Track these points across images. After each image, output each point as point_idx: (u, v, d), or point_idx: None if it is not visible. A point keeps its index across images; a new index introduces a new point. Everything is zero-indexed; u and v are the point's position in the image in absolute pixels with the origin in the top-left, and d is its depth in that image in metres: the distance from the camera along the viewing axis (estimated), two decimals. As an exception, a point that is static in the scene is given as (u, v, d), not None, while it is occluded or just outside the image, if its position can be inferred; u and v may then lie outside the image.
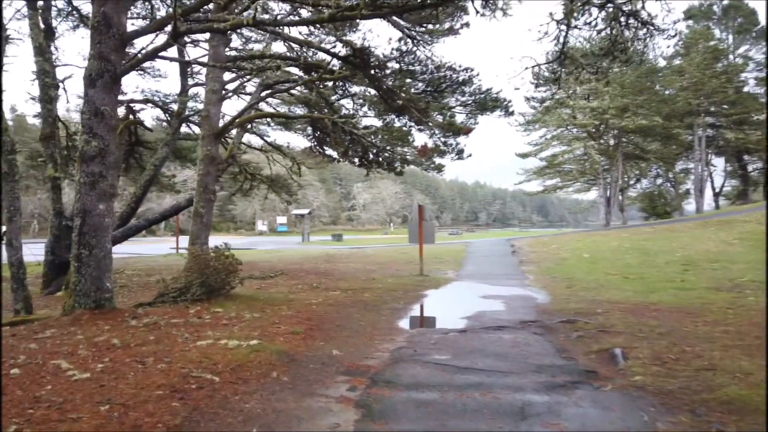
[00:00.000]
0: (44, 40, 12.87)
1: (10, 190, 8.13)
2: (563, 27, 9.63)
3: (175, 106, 17.54)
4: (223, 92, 11.26)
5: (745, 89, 47.25)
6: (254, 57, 10.89)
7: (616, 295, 10.53)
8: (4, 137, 8.13)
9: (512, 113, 11.39)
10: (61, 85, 13.39)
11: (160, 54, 8.58)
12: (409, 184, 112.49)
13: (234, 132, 15.56)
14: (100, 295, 7.43)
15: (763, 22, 49.15)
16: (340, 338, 7.07)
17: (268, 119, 17.63)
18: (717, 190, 53.13)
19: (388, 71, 9.62)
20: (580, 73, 11.66)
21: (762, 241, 17.67)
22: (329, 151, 17.18)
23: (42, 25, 13.04)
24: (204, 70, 14.87)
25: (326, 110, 14.39)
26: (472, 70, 10.29)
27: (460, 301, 11.23)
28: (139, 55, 9.34)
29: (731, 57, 46.24)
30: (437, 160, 13.49)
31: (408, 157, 14.17)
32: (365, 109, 14.67)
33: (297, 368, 5.49)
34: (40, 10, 12.91)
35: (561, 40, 10.03)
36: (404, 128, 13.66)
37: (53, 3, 14.25)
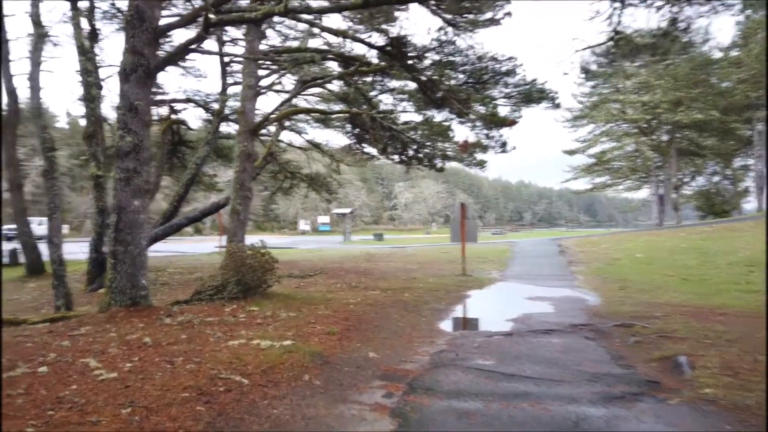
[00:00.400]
0: (89, 41, 13.11)
1: (51, 187, 8.17)
2: (617, 4, 8.96)
3: (216, 106, 17.63)
4: (259, 88, 11.13)
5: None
6: (290, 51, 10.69)
7: (675, 297, 9.78)
8: (45, 134, 8.17)
9: (559, 105, 10.79)
10: (104, 84, 13.59)
11: (197, 49, 8.45)
12: (452, 184, 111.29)
13: (272, 129, 15.51)
14: (136, 292, 7.33)
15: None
16: (377, 340, 6.73)
17: (307, 116, 17.49)
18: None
19: (427, 62, 9.22)
20: (635, 57, 10.89)
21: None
22: (368, 149, 16.89)
23: (87, 27, 13.30)
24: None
25: (365, 106, 14.10)
26: (515, 59, 9.76)
27: (505, 302, 10.71)
28: (172, 49, 9.27)
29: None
30: (479, 156, 12.98)
31: (449, 152, 13.71)
32: (404, 104, 14.32)
33: (330, 371, 5.18)
34: (85, 12, 13.15)
35: (615, 19, 9.35)
36: (445, 123, 13.22)
37: (97, 5, 14.49)
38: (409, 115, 15.12)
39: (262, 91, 13.51)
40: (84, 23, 13.19)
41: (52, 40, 15.36)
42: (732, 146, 44.06)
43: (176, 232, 15.56)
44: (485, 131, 10.81)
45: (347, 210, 47.75)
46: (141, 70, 7.68)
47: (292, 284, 12.36)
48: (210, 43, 15.30)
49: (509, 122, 9.98)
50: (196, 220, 16.01)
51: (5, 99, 14.59)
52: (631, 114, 38.67)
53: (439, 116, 13.44)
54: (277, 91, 14.00)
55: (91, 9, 13.46)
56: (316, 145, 18.00)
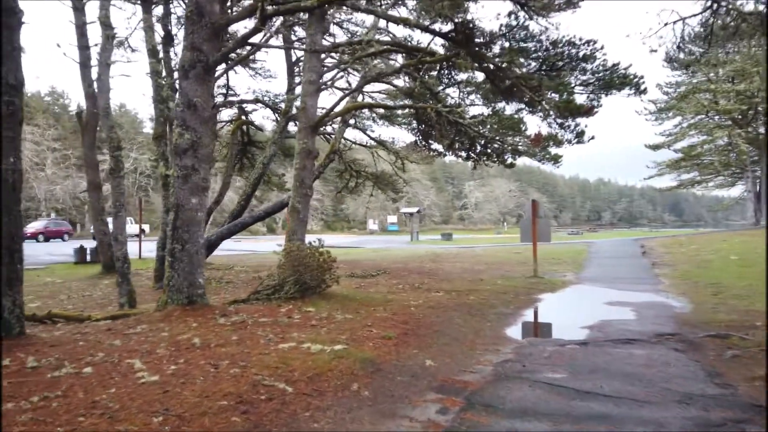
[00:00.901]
0: (163, 45, 13.51)
1: (117, 186, 8.31)
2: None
3: (283, 106, 17.76)
4: (321, 84, 10.93)
5: None
6: (352, 44, 10.40)
7: (781, 305, 8.59)
8: (112, 134, 8.31)
9: (644, 91, 9.71)
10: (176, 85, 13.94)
11: (256, 43, 8.31)
12: (524, 182, 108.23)
13: (336, 127, 15.36)
14: (193, 291, 7.27)
15: None
16: (436, 346, 6.25)
17: (371, 113, 17.23)
18: None
19: (496, 49, 8.63)
20: (737, 29, 9.70)
21: None
22: (435, 145, 16.38)
23: (162, 32, 13.70)
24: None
25: (431, 101, 13.60)
26: (594, 42, 8.89)
27: (580, 307, 9.89)
28: (231, 44, 9.22)
29: None
30: (552, 150, 12.10)
31: (519, 147, 12.92)
32: (472, 97, 13.68)
33: (382, 380, 4.77)
34: (158, 17, 13.53)
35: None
36: (515, 116, 12.47)
37: (173, 10, 14.93)
38: (477, 109, 14.48)
39: (324, 87, 13.34)
40: (158, 28, 13.60)
41: (128, 44, 15.94)
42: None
43: (241, 231, 15.77)
44: (559, 121, 10.00)
45: (414, 209, 47.29)
46: (200, 66, 7.62)
47: (353, 284, 12.09)
48: (276, 43, 15.33)
49: (586, 109, 9.14)
50: (261, 218, 16.18)
51: (84, 103, 15.40)
52: (724, 104, 35.59)
53: (509, 108, 12.72)
54: (340, 89, 13.80)
55: (166, 14, 13.85)
56: (381, 143, 17.71)
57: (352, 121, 18.24)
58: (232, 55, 19.07)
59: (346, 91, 14.85)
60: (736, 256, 15.80)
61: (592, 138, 10.43)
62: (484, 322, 7.97)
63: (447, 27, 8.25)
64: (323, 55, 12.16)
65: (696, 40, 37.32)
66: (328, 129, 17.28)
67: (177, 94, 7.91)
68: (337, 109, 11.11)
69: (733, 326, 7.12)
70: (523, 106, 10.47)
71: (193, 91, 7.58)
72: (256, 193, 20.41)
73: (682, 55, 36.59)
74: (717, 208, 63.16)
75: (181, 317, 6.72)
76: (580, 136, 10.24)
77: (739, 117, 36.62)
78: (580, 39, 8.87)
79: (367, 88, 16.39)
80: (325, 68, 14.51)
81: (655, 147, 42.24)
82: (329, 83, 14.79)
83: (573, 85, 9.36)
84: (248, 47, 10.22)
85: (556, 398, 4.29)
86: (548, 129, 10.98)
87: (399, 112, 16.71)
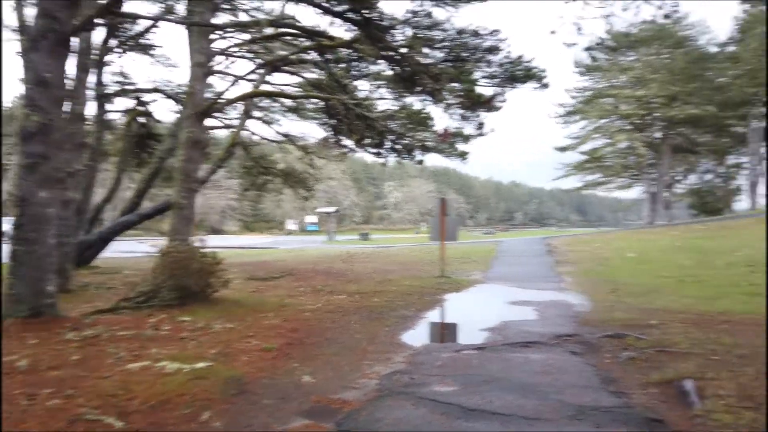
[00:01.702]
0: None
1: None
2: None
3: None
4: (211, 68, 9.98)
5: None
6: (244, 24, 9.51)
7: (673, 302, 8.73)
8: None
9: (546, 85, 9.67)
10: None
11: (124, 13, 7.26)
12: (443, 183, 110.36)
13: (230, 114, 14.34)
14: (39, 301, 6.15)
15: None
16: (322, 357, 5.60)
17: (280, 106, 16.29)
18: (773, 186, 49.41)
19: (400, 36, 8.15)
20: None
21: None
22: (346, 141, 15.77)
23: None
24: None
25: (340, 94, 12.97)
26: (499, 32, 8.67)
27: (482, 307, 9.63)
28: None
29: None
30: (460, 146, 11.89)
31: (428, 143, 12.61)
32: (382, 91, 13.20)
33: (243, 405, 4.05)
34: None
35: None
36: (423, 111, 12.12)
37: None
38: (387, 104, 14.03)
39: (217, 73, 12.27)
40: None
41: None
42: (726, 143, 43.31)
43: (127, 230, 14.35)
44: (461, 112, 9.69)
45: (332, 209, 46.48)
46: (53, 37, 6.51)
47: (250, 288, 11.22)
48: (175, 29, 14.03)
49: (486, 100, 8.89)
50: (149, 216, 14.82)
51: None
52: (624, 109, 37.73)
53: (418, 104, 12.36)
54: (238, 77, 12.73)
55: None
56: (289, 137, 16.84)
57: (259, 114, 17.24)
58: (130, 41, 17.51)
59: (253, 78, 13.89)
60: (633, 253, 16.42)
61: (492, 131, 10.26)
62: (382, 326, 7.42)
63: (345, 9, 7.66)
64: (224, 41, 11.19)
65: (600, 46, 39.24)
66: (230, 121, 16.17)
67: (23, 68, 6.73)
68: (231, 95, 10.21)
69: (630, 325, 7.02)
70: (428, 98, 10.07)
71: (44, 66, 6.45)
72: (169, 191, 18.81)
73: (588, 61, 38.30)
74: (617, 209, 67.32)
75: (17, 333, 5.61)
76: (480, 128, 10.00)
77: (638, 122, 39.00)
78: (485, 29, 8.59)
79: (277, 80, 15.51)
80: (228, 55, 13.50)
81: (563, 149, 44.18)
82: (228, 69, 13.70)
83: (478, 78, 9.08)
84: (141, 25, 9.12)
85: (438, 419, 3.77)
86: (453, 123, 10.67)
87: (309, 106, 15.96)
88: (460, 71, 8.62)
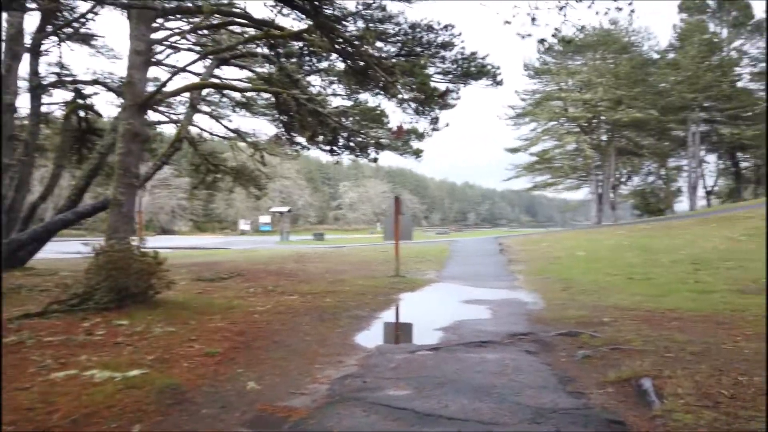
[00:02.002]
0: None
1: None
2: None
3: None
4: (152, 55, 9.44)
5: (739, 84, 46.12)
6: (186, 10, 9.01)
7: (623, 299, 8.84)
8: None
9: (501, 82, 9.66)
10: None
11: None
12: (398, 184, 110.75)
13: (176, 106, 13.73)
14: (-47, 304, 5.58)
15: (758, 16, 48.09)
16: (269, 362, 5.29)
17: (229, 101, 15.72)
18: (708, 188, 51.96)
19: (351, 27, 7.91)
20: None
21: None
22: (298, 138, 15.39)
23: None
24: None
25: (292, 89, 12.59)
26: (453, 27, 8.56)
27: (437, 306, 9.50)
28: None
29: (725, 51, 44.92)
30: (414, 144, 11.76)
31: (383, 140, 12.41)
32: (335, 87, 12.92)
33: (179, 416, 3.71)
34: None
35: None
36: (378, 108, 11.91)
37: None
38: (340, 100, 13.75)
39: (156, 62, 11.66)
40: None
41: None
42: (667, 147, 45.17)
43: (62, 229, 13.50)
44: (415, 106, 9.53)
45: (285, 209, 45.71)
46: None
47: (197, 289, 10.72)
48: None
49: (440, 93, 8.76)
50: (87, 214, 13.97)
51: None
52: (572, 112, 38.78)
53: (372, 101, 12.14)
54: (180, 68, 12.07)
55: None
56: (238, 133, 16.27)
57: (207, 109, 16.62)
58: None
59: (199, 72, 13.33)
60: (582, 252, 16.75)
61: (447, 125, 10.14)
62: (334, 327, 7.16)
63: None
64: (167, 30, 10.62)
65: (549, 51, 40.10)
66: (176, 116, 15.49)
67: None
68: (174, 86, 9.69)
69: (583, 323, 7.02)
70: (380, 92, 9.86)
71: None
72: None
73: (537, 64, 39.12)
74: (565, 209, 69.24)
75: (-73, 341, 5.05)
76: (435, 122, 9.87)
77: (585, 124, 40.17)
78: (439, 23, 8.46)
79: (227, 75, 14.98)
80: (172, 47, 12.89)
81: (514, 150, 45.05)
82: (175, 61, 13.08)
83: (432, 74, 8.94)
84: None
85: (392, 425, 3.54)
86: (407, 118, 10.51)
87: (260, 102, 15.49)
88: (414, 65, 8.45)
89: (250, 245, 33.64)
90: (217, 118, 15.85)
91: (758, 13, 47.80)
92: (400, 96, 9.12)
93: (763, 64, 48.68)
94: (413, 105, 9.55)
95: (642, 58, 39.14)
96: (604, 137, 42.15)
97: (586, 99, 37.76)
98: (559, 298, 9.39)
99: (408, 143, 11.89)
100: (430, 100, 8.74)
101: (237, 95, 15.04)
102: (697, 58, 39.77)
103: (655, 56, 41.67)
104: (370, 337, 6.75)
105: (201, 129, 17.20)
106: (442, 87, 9.18)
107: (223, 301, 9.11)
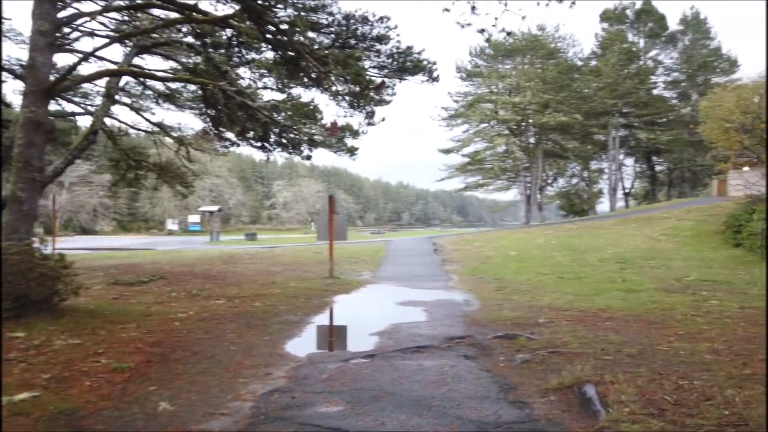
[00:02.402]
0: None
1: None
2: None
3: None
4: (59, 37, 8.52)
5: (654, 92, 49.06)
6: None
7: (557, 299, 8.90)
8: None
9: (437, 78, 9.50)
10: None
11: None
12: (333, 184, 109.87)
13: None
14: None
15: (672, 28, 51.38)
16: (187, 377, 4.77)
17: (153, 93, 14.67)
18: (627, 191, 55.01)
19: (282, 14, 7.45)
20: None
21: (688, 237, 17.11)
22: (228, 134, 14.63)
23: None
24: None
25: (219, 80, 11.88)
26: (388, 20, 8.29)
27: (372, 309, 9.20)
28: None
29: (642, 60, 47.62)
30: (349, 142, 11.38)
31: (316, 137, 11.95)
32: (266, 80, 12.32)
33: (74, 448, 3.18)
34: None
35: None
36: (311, 104, 11.45)
37: None
38: (272, 94, 13.16)
39: (66, 45, 10.61)
40: None
41: None
42: (590, 150, 47.33)
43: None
44: (350, 99, 9.17)
45: (215, 208, 44.01)
46: None
47: (113, 294, 9.86)
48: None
49: (376, 86, 8.47)
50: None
51: None
52: (503, 114, 39.79)
53: (306, 96, 11.66)
54: (89, 53, 10.97)
55: None
56: (161, 127, 15.25)
57: (127, 100, 15.49)
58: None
59: (117, 60, 12.34)
60: (514, 251, 17.02)
61: (383, 120, 9.85)
62: (263, 335, 6.68)
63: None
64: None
65: (481, 54, 40.94)
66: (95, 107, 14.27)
67: None
68: (84, 72, 8.81)
69: (519, 324, 6.95)
70: (313, 84, 9.41)
71: None
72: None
73: (469, 66, 39.76)
74: (495, 209, 71.13)
75: None
76: (370, 116, 9.56)
77: (515, 127, 41.36)
78: (374, 15, 8.15)
79: (152, 65, 13.97)
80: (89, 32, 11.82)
81: (447, 151, 45.70)
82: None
83: (367, 67, 8.61)
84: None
85: (323, 449, 3.19)
86: (342, 113, 10.13)
87: (186, 94, 14.60)
88: (348, 56, 8.09)
89: (177, 246, 32.04)
90: (138, 110, 14.77)
91: (672, 25, 51.26)
92: (334, 88, 8.72)
93: (677, 74, 52.38)
94: (348, 99, 9.18)
95: (567, 64, 40.76)
96: (532, 140, 43.56)
97: (515, 102, 38.84)
98: (494, 299, 9.34)
99: (342, 141, 11.53)
100: (366, 94, 8.42)
101: (161, 86, 14.08)
102: (617, 66, 41.87)
103: (579, 63, 43.52)
104: (302, 344, 6.34)
105: (121, 122, 16.01)
106: (378, 80, 8.88)
107: (141, 308, 8.39)
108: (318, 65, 7.18)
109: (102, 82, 11.41)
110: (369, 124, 9.72)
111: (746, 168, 35.30)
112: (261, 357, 5.60)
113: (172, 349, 5.77)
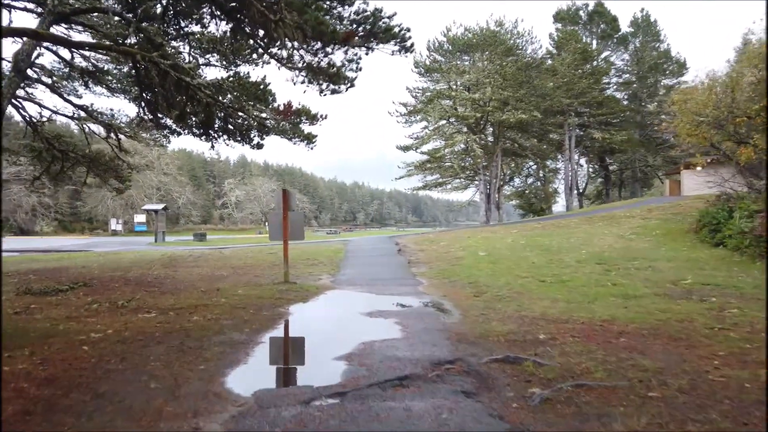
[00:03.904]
0: None
1: None
2: None
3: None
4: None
5: (607, 93, 49.60)
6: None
7: (548, 307, 7.74)
8: None
9: (411, 48, 8.17)
10: None
11: None
12: (287, 183, 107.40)
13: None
14: None
15: (624, 30, 52.11)
16: (73, 440, 3.27)
17: (67, 68, 12.66)
18: (581, 190, 55.55)
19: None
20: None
21: (659, 236, 16.51)
22: (167, 121, 12.89)
23: None
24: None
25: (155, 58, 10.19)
26: (351, -25, 6.95)
27: (336, 323, 7.77)
28: None
29: (595, 62, 47.94)
30: (306, 128, 9.91)
31: (268, 122, 10.43)
32: (209, 57, 10.71)
33: None
34: None
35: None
36: (262, 83, 9.93)
37: None
38: (217, 72, 11.54)
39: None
40: None
41: None
42: (547, 149, 47.32)
43: None
44: (308, 58, 7.71)
45: (159, 206, 41.34)
46: None
47: (18, 306, 8.12)
48: None
49: (344, 36, 7.06)
50: None
51: None
52: (462, 111, 38.97)
53: (255, 75, 10.11)
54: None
55: None
56: (86, 111, 13.29)
57: (48, 80, 13.49)
58: None
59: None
60: (483, 252, 15.95)
61: (351, 86, 8.36)
62: (197, 362, 5.19)
63: None
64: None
65: (439, 49, 40.14)
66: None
67: None
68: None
69: (516, 341, 5.73)
70: (262, 47, 7.90)
71: None
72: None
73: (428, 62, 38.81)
74: (454, 208, 70.62)
75: None
76: (333, 80, 8.06)
77: (474, 124, 40.64)
78: (337, -34, 6.78)
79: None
80: None
81: (405, 148, 44.56)
82: None
83: (334, 29, 7.20)
84: None
85: None
86: (300, 86, 8.62)
87: (115, 72, 12.76)
88: (305, 2, 6.64)
89: (117, 247, 29.61)
90: (57, 90, 12.78)
91: (624, 26, 52.05)
92: (288, 45, 7.23)
93: (627, 75, 53.22)
94: (306, 64, 7.71)
95: (525, 62, 40.39)
96: (491, 138, 43.02)
97: (475, 99, 38.08)
98: (475, 307, 8.11)
99: (298, 126, 10.09)
100: (330, 42, 6.94)
101: (85, 64, 12.18)
102: (573, 65, 41.86)
103: (538, 60, 43.36)
104: (247, 376, 4.89)
105: (42, 106, 13.98)
106: (345, 59, 7.48)
107: (46, 325, 6.74)
108: (268, 13, 5.76)
109: (8, 52, 9.56)
110: (334, 92, 8.24)
111: (699, 168, 35.85)
112: (190, 398, 4.13)
113: (68, 389, 4.24)
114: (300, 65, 7.93)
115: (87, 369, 4.85)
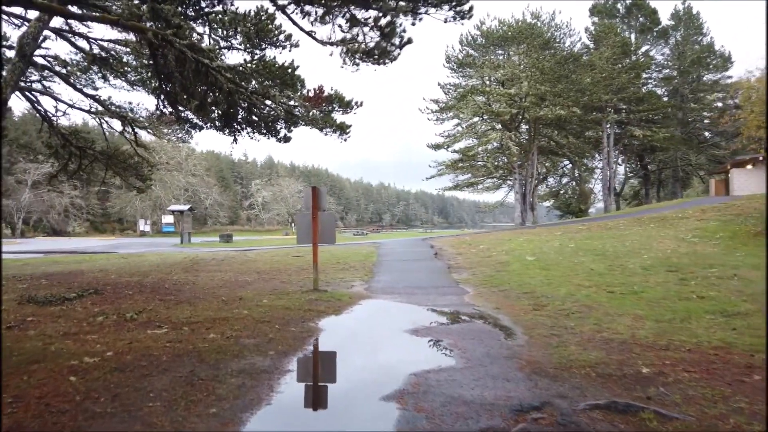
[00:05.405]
0: None
1: None
2: None
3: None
4: None
5: (646, 88, 47.35)
6: None
7: (633, 327, 6.38)
8: None
9: (469, 13, 6.93)
10: None
11: None
12: (314, 184, 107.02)
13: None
14: None
15: (664, 23, 49.76)
16: None
17: (79, 56, 11.78)
18: (618, 190, 53.17)
19: None
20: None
21: (725, 239, 14.86)
22: (188, 114, 11.91)
23: None
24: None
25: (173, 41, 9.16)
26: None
27: (376, 344, 6.53)
28: None
29: (634, 56, 45.77)
30: (338, 117, 8.79)
31: (296, 111, 9.32)
32: (231, 40, 9.66)
33: None
34: None
35: None
36: (290, 66, 8.82)
37: None
38: (240, 57, 10.46)
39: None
40: None
41: None
42: (584, 147, 45.33)
43: None
44: (348, 19, 6.54)
45: (185, 207, 40.84)
46: None
47: (14, 319, 7.14)
48: None
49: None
50: None
51: None
52: (496, 108, 37.41)
53: (281, 58, 9.01)
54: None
55: None
56: (100, 102, 12.40)
57: (60, 70, 12.64)
58: None
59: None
60: (531, 256, 14.54)
61: (407, 43, 6.99)
62: (207, 401, 4.05)
63: None
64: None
65: (473, 43, 38.63)
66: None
67: None
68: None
69: (611, 376, 4.44)
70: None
71: None
72: None
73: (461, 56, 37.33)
74: (484, 209, 68.81)
75: None
76: (388, 38, 6.85)
77: (508, 121, 39.01)
78: None
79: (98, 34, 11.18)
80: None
81: (436, 146, 43.16)
82: None
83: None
84: None
85: None
86: (336, 61, 7.43)
87: (131, 61, 11.83)
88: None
89: (142, 248, 29.08)
90: (69, 81, 11.91)
91: (664, 20, 49.67)
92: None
93: (668, 70, 50.75)
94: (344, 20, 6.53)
95: (564, 55, 38.61)
96: (525, 136, 41.34)
97: (510, 94, 36.47)
98: (541, 324, 6.81)
99: (330, 115, 8.97)
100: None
101: (97, 50, 11.27)
102: (612, 59, 39.92)
103: (576, 54, 41.48)
104: (268, 425, 3.71)
105: (58, 100, 13.16)
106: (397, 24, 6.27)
107: (36, 345, 5.69)
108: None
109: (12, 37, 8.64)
110: (378, 60, 6.94)
111: (749, 166, 33.58)
112: (191, 467, 2.97)
113: (28, 448, 3.12)
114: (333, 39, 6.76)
115: (66, 413, 3.75)
